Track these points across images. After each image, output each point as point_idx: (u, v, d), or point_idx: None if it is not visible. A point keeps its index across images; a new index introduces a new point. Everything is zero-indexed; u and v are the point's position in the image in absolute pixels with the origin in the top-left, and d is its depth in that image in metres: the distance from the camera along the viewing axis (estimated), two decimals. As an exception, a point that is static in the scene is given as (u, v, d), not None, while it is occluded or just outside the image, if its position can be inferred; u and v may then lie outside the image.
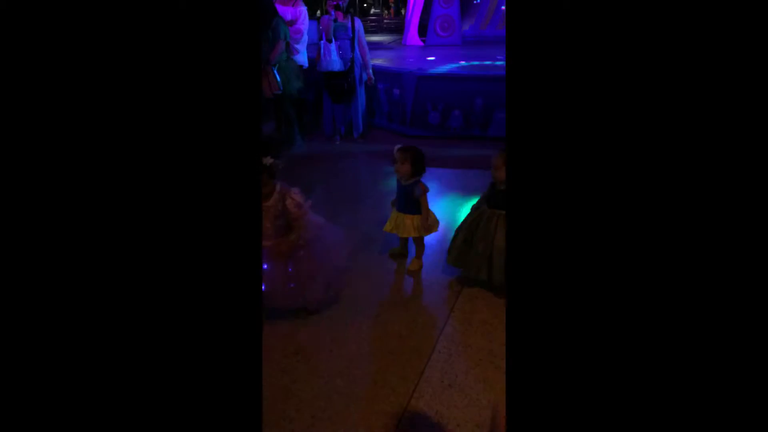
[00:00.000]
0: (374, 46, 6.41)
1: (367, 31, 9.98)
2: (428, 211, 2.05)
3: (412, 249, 2.24)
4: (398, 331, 1.77)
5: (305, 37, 3.97)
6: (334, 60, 3.68)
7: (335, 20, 3.67)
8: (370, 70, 3.95)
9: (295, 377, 1.55)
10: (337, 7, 3.64)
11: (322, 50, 3.71)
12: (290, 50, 3.74)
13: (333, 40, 3.67)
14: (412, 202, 2.05)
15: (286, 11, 3.78)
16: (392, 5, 20.57)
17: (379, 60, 4.90)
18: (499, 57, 5.31)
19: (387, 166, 3.49)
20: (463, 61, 5.08)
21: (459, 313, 1.87)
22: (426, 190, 2.03)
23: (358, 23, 3.76)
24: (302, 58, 3.97)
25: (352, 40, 3.72)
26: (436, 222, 2.13)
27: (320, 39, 3.73)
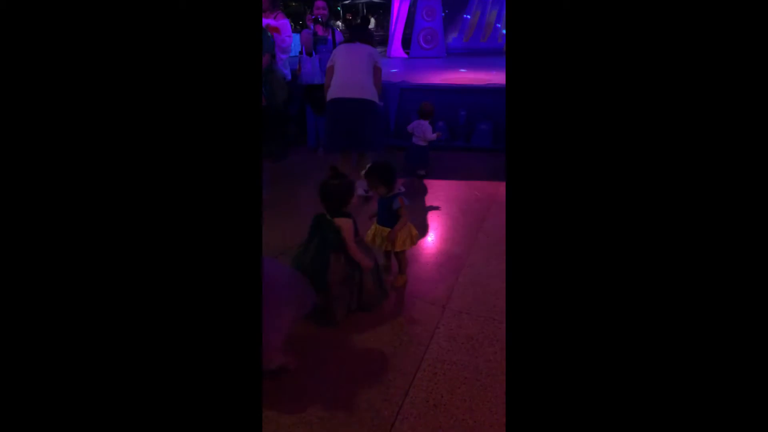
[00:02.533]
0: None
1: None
2: (403, 225, 2.01)
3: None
4: (381, 349, 1.71)
5: (289, 48, 3.95)
6: (314, 72, 3.67)
7: (314, 34, 3.67)
8: None
9: (272, 401, 1.48)
10: (316, 21, 3.64)
11: (302, 63, 3.70)
12: (275, 61, 3.71)
13: (313, 53, 3.67)
14: (392, 215, 2.02)
15: (268, 23, 3.76)
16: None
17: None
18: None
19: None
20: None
21: (444, 330, 1.82)
22: (404, 204, 1.99)
23: (339, 36, 3.76)
24: (286, 69, 3.95)
25: (333, 53, 3.72)
26: (416, 235, 2.10)
27: (301, 52, 3.72)
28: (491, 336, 1.77)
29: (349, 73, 2.85)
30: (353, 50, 2.88)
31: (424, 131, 3.46)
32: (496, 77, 4.78)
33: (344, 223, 1.73)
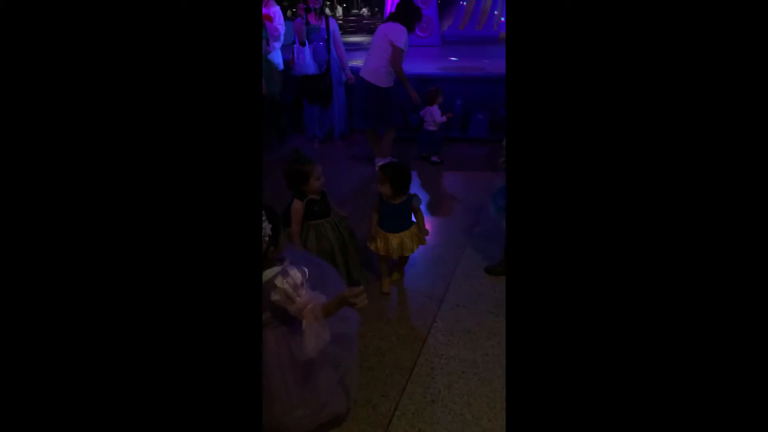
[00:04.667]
0: (354, 47, 6.31)
1: (347, 32, 9.85)
2: (422, 220, 2.00)
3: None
4: (378, 344, 1.71)
5: (281, 38, 3.87)
6: (307, 63, 3.60)
7: (307, 23, 3.60)
8: (349, 71, 3.89)
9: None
10: (307, 10, 3.56)
11: (295, 53, 3.64)
12: (266, 50, 3.64)
13: (306, 43, 3.59)
14: (405, 218, 1.94)
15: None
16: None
17: (357, 61, 4.83)
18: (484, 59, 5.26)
19: (367, 170, 3.43)
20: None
21: (441, 323, 1.82)
22: (420, 201, 1.95)
23: (333, 24, 3.68)
24: (278, 59, 3.88)
25: (327, 41, 3.64)
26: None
27: (294, 42, 3.65)
28: (489, 329, 1.77)
29: (368, 55, 3.18)
30: (379, 31, 3.10)
31: (433, 115, 3.54)
32: (492, 66, 4.72)
33: (294, 205, 1.83)
